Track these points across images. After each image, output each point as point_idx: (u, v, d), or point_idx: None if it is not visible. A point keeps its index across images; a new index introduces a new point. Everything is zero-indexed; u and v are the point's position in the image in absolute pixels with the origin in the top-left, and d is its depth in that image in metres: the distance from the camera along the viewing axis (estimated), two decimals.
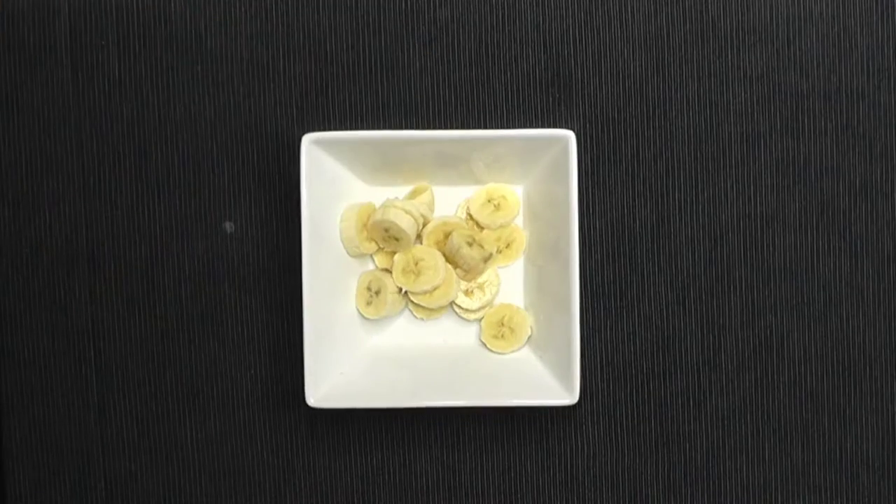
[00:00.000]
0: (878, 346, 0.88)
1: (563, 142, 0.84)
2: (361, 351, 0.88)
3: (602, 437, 0.89)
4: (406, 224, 0.86)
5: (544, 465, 0.89)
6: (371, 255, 0.89)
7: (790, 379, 0.89)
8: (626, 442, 0.89)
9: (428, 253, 0.87)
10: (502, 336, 0.88)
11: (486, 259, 0.87)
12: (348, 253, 0.88)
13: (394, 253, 0.88)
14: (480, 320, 0.89)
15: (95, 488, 0.90)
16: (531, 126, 0.88)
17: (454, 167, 0.87)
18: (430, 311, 0.89)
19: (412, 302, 0.88)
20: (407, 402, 0.85)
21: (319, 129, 0.88)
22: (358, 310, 0.88)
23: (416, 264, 0.87)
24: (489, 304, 0.88)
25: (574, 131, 0.84)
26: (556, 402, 0.85)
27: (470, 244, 0.87)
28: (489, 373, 0.87)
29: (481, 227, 0.89)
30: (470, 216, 0.89)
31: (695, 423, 0.89)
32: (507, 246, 0.88)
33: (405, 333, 0.89)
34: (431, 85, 0.89)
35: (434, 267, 0.87)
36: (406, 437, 0.89)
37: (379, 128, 0.89)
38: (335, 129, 0.88)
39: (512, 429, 0.89)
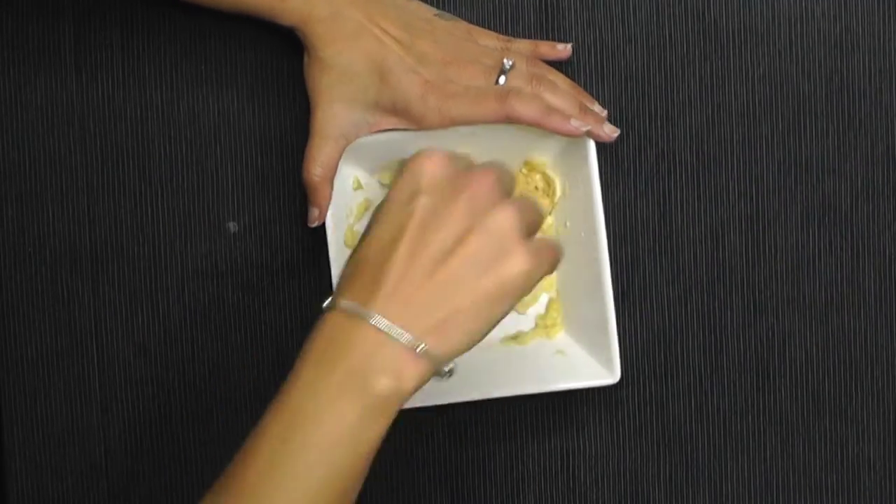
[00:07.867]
0: (880, 347, 0.88)
1: (583, 149, 0.84)
2: None
3: (603, 437, 0.89)
4: None
5: (545, 465, 0.89)
6: None
7: (792, 380, 0.88)
8: (627, 442, 0.89)
9: None
10: None
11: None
12: None
13: None
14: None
15: (97, 488, 0.90)
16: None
17: None
18: None
19: None
20: (421, 401, 0.80)
21: None
22: None
23: None
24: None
25: None
26: (598, 383, 0.84)
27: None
28: (516, 361, 0.86)
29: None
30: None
31: (696, 423, 0.89)
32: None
33: None
34: None
35: None
36: (406, 436, 0.89)
37: None
38: None
39: (513, 430, 0.89)
